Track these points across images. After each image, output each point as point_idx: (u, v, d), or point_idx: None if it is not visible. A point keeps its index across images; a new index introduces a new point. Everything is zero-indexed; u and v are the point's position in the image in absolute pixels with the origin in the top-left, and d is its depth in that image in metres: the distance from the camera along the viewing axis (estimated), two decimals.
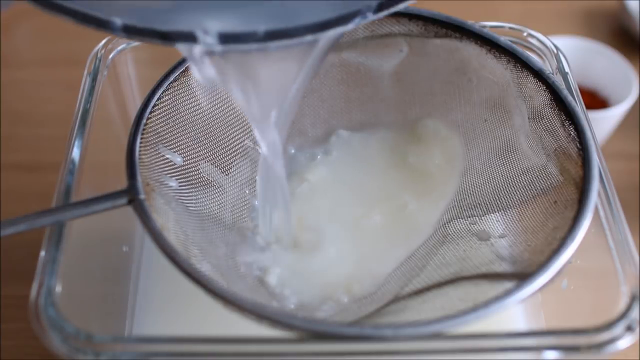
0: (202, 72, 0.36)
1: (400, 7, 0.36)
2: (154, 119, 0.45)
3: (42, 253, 0.39)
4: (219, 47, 0.33)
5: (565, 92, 0.45)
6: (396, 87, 0.53)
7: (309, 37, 0.34)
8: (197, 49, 0.34)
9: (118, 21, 0.33)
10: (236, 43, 0.34)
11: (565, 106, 0.44)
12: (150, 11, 0.35)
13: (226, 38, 0.33)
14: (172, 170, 0.46)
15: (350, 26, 0.35)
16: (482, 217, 0.48)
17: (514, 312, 0.51)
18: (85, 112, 0.47)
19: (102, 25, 0.33)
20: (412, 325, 0.35)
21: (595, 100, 0.74)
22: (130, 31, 0.33)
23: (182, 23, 0.34)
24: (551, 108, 0.45)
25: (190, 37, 0.33)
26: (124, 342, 0.37)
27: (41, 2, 0.33)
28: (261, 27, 0.33)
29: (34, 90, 0.78)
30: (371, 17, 0.35)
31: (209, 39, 0.33)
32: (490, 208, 0.48)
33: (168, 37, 0.33)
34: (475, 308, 0.36)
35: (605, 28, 0.87)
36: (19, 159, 0.70)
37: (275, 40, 0.34)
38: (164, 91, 0.46)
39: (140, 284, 0.54)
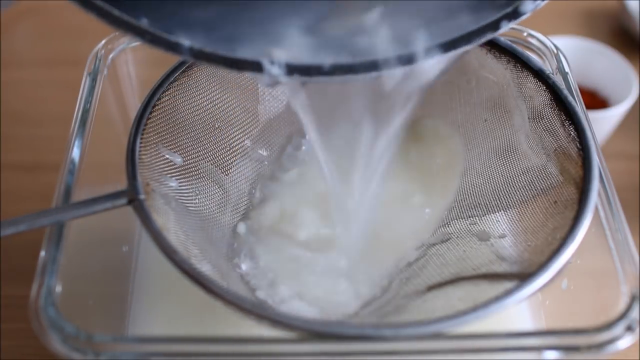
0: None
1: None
2: (154, 119, 0.45)
3: (42, 253, 0.39)
4: (283, 78, 0.33)
5: (565, 92, 0.45)
6: None
7: (374, 74, 0.34)
8: (263, 78, 0.34)
9: (186, 43, 0.33)
10: (302, 75, 0.33)
11: (565, 106, 0.44)
12: (217, 31, 0.35)
13: (292, 69, 0.33)
14: (172, 170, 0.46)
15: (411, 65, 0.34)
16: (482, 217, 0.48)
17: (514, 312, 0.51)
18: (85, 112, 0.47)
19: (171, 47, 0.33)
20: (412, 325, 0.35)
21: (595, 100, 0.74)
22: (197, 55, 0.33)
23: (249, 45, 0.34)
24: (551, 108, 0.45)
25: (256, 67, 0.33)
26: (124, 342, 0.37)
27: (111, 20, 0.32)
28: (327, 60, 0.33)
29: (34, 90, 0.78)
30: (436, 57, 0.34)
31: (275, 70, 0.33)
32: (490, 208, 0.48)
33: (235, 65, 0.33)
34: (475, 308, 0.36)
35: (605, 28, 0.87)
36: (19, 159, 0.70)
37: (341, 74, 0.33)
38: (164, 91, 0.46)
39: (140, 284, 0.53)
